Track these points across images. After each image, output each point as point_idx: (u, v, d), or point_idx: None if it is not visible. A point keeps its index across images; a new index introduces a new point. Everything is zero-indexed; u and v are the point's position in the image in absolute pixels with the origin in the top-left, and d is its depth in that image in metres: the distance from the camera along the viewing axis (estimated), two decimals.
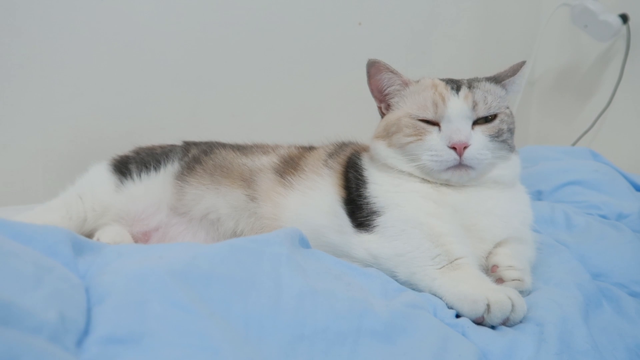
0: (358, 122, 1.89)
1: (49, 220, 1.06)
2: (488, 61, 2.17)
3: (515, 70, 1.00)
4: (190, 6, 1.59)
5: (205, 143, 1.20)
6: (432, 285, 0.79)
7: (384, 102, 1.04)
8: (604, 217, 1.28)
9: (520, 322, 0.74)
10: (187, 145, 1.20)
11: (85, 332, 0.50)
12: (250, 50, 1.69)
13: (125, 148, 1.20)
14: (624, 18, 1.87)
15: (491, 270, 0.86)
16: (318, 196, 0.97)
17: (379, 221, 0.89)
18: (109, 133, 1.44)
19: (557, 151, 1.68)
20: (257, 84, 1.71)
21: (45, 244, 0.60)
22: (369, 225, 0.90)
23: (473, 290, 0.75)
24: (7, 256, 0.53)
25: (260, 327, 0.57)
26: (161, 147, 1.21)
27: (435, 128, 0.93)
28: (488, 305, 0.72)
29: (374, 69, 1.00)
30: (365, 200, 0.92)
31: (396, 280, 0.82)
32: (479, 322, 0.73)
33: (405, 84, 1.01)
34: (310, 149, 1.12)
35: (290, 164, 1.05)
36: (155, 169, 1.12)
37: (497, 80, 0.99)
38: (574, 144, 2.05)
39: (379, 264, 0.86)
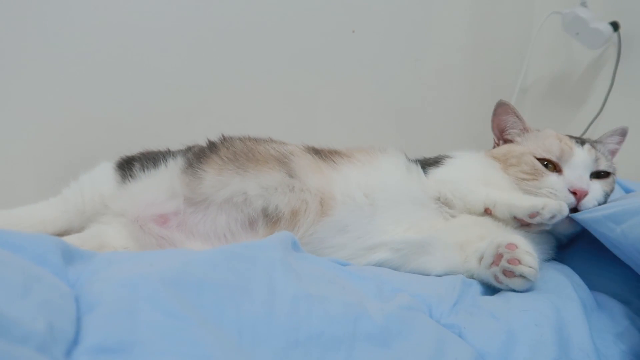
0: (351, 130, 1.90)
1: (43, 215, 1.06)
2: (480, 69, 2.19)
3: (620, 141, 1.16)
4: (184, 12, 1.59)
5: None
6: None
7: (501, 139, 1.18)
8: None
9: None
10: (189, 147, 1.17)
11: (75, 341, 0.49)
12: (243, 58, 1.69)
13: (119, 155, 1.18)
14: (615, 26, 1.88)
15: (507, 247, 0.81)
16: (386, 164, 1.10)
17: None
18: (103, 140, 1.43)
19: None
20: (250, 92, 1.71)
21: (34, 253, 0.59)
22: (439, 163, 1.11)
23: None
24: None
25: (254, 334, 0.56)
26: (163, 151, 1.19)
27: (554, 173, 1.01)
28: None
29: (501, 109, 1.14)
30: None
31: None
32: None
33: (526, 130, 1.13)
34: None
35: (325, 152, 1.10)
36: (156, 165, 1.10)
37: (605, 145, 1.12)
38: None
39: (442, 183, 1.06)
